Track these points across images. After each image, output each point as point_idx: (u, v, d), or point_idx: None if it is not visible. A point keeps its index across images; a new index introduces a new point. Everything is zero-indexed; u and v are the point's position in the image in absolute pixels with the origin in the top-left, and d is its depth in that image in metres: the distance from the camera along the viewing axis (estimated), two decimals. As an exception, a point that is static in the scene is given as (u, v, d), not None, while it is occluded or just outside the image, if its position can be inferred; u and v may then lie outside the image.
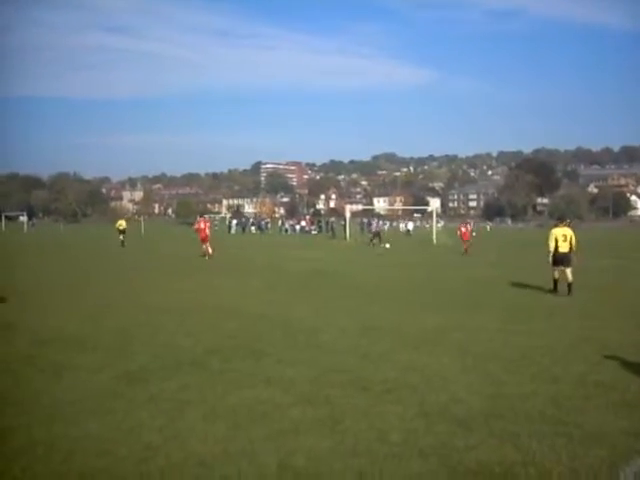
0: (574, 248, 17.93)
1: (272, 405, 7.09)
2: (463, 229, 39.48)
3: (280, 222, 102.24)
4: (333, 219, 79.51)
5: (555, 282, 17.80)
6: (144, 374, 8.45)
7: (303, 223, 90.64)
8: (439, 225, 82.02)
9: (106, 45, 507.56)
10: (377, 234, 48.94)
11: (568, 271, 17.53)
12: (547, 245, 18.17)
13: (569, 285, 17.35)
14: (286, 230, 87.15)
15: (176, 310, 14.21)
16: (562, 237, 17.88)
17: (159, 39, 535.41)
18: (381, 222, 76.33)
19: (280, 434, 6.19)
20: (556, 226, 18.58)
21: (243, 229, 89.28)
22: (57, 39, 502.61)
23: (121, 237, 44.12)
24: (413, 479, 5.21)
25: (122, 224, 45.49)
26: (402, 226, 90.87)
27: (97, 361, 9.21)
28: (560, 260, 17.81)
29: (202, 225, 33.09)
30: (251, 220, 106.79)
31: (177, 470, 5.36)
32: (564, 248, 17.79)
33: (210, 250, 31.86)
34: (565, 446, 5.88)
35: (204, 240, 32.40)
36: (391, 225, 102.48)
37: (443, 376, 8.38)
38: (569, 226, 18.67)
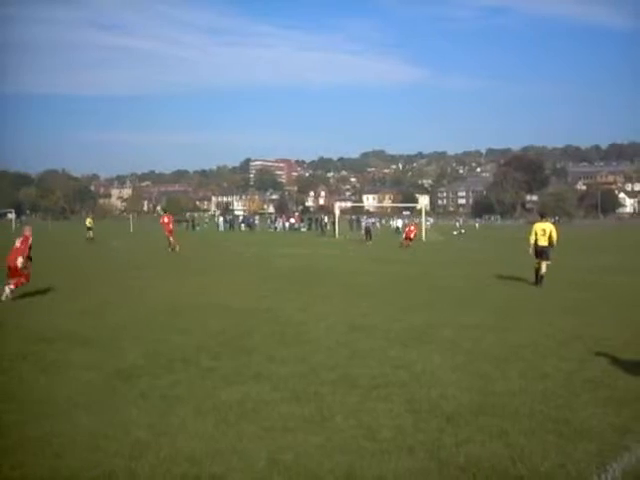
0: (553, 242, 18.84)
1: (261, 402, 7.10)
2: (412, 227, 43.38)
3: (269, 220, 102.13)
4: (325, 217, 79.45)
5: (536, 274, 18.60)
6: (135, 371, 8.45)
7: (292, 220, 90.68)
8: (429, 223, 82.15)
9: (98, 42, 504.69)
10: (368, 231, 49.04)
11: (543, 264, 18.51)
12: (528, 239, 19.31)
13: (541, 277, 18.46)
14: (275, 227, 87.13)
15: (166, 307, 14.19)
16: (541, 231, 18.92)
17: (151, 37, 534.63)
18: (370, 220, 76.38)
19: (269, 431, 6.20)
20: (540, 221, 19.68)
21: (231, 226, 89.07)
22: (49, 36, 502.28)
23: (89, 234, 46.84)
24: (402, 476, 5.23)
25: (90, 222, 48.25)
26: (392, 223, 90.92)
27: (89, 358, 9.21)
28: (539, 252, 18.75)
29: (166, 220, 36.42)
30: (240, 217, 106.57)
31: (167, 466, 5.36)
32: (543, 242, 18.79)
33: (172, 241, 34.80)
34: (554, 442, 5.92)
35: (170, 233, 35.47)
36: (380, 222, 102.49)
37: (432, 373, 8.40)
38: (553, 223, 19.48)
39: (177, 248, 34.26)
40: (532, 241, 18.89)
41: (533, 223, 20.13)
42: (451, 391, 7.52)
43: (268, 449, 5.73)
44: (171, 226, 36.07)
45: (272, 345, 10.18)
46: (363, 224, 55.56)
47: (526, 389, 7.61)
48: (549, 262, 18.65)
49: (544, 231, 18.83)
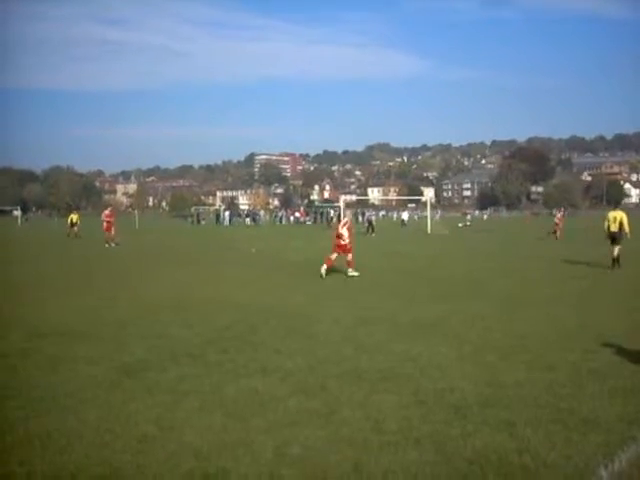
0: (625, 228, 21.08)
1: (268, 395, 7.10)
2: (560, 217, 42.27)
3: (274, 214, 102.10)
4: (331, 210, 79.35)
5: (612, 258, 20.61)
6: (140, 366, 8.45)
7: (297, 214, 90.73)
8: (437, 215, 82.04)
9: (99, 37, 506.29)
10: (370, 223, 49.18)
11: (615, 248, 20.69)
12: (604, 226, 21.68)
13: (613, 260, 20.52)
14: (280, 221, 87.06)
15: (172, 302, 14.19)
16: (612, 219, 21.38)
17: (152, 31, 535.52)
18: (371, 213, 76.40)
19: (276, 424, 6.20)
20: (613, 210, 22.08)
21: (229, 221, 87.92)
22: (50, 31, 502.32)
23: (70, 230, 46.57)
24: (409, 468, 5.22)
25: (73, 218, 47.75)
26: (394, 216, 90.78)
27: (94, 353, 9.20)
28: (611, 237, 21.15)
29: (107, 212, 37.94)
30: (245, 211, 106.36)
31: (174, 461, 5.36)
32: (614, 228, 21.18)
33: (112, 236, 36.23)
34: (560, 433, 5.91)
35: (107, 229, 36.74)
36: (386, 215, 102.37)
37: (439, 365, 8.40)
38: (622, 210, 22.01)
39: (113, 244, 35.13)
40: (606, 227, 21.36)
41: (607, 212, 22.32)
42: (457, 383, 7.51)
43: (275, 443, 5.73)
44: (105, 224, 37.13)
45: (279, 339, 10.19)
46: (366, 217, 55.65)
47: (532, 380, 7.60)
48: (620, 246, 20.60)
49: (615, 218, 21.21)
